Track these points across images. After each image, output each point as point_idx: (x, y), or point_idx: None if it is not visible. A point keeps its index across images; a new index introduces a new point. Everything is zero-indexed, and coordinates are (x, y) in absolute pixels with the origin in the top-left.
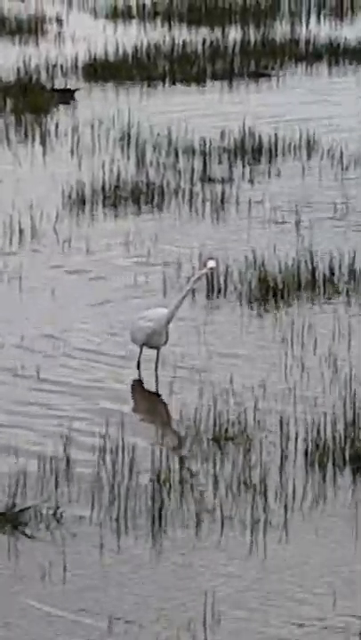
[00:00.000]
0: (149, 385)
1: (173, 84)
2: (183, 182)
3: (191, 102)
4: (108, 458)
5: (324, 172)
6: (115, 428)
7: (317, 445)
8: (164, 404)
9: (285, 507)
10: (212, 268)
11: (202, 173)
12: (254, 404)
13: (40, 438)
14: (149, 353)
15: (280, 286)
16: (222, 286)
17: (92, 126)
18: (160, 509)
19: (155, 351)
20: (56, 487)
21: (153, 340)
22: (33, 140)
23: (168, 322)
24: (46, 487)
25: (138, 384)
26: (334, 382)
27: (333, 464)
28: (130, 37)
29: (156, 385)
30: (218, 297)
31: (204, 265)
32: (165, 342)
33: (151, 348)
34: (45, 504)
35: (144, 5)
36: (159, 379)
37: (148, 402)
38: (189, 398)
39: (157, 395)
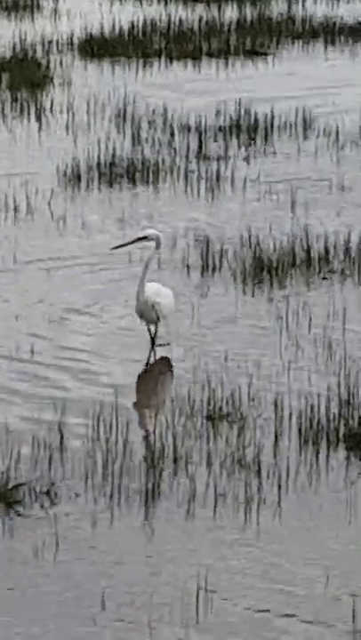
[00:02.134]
0: (143, 363)
1: (169, 61)
2: (178, 160)
3: (187, 80)
4: (101, 435)
5: (320, 151)
6: (108, 405)
7: (311, 424)
8: (158, 382)
9: (279, 485)
10: (150, 237)
11: (197, 151)
12: (248, 383)
13: (34, 415)
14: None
15: (275, 264)
16: (217, 264)
17: (88, 103)
18: (153, 487)
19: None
20: (50, 465)
21: (143, 316)
22: (28, 116)
23: (138, 296)
24: (40, 465)
25: (132, 362)
26: (329, 361)
27: (327, 442)
28: (126, 14)
29: (151, 362)
30: (213, 275)
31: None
32: (158, 319)
33: (148, 323)
34: (39, 482)
35: None
36: (154, 357)
37: (142, 380)
38: (183, 376)
39: (151, 372)
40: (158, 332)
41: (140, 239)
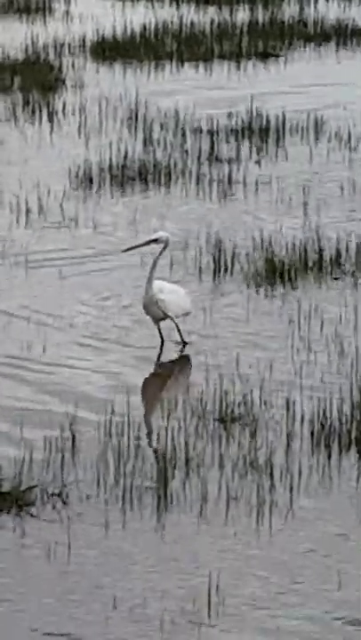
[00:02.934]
0: (155, 364)
1: (181, 63)
2: (190, 162)
3: (199, 82)
4: (113, 437)
5: (332, 153)
6: (120, 407)
7: (323, 426)
8: (171, 384)
9: (291, 487)
10: (161, 240)
11: (209, 153)
12: (260, 385)
13: (46, 417)
14: (166, 334)
15: (287, 267)
16: (229, 267)
17: (100, 105)
18: (165, 489)
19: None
20: (62, 466)
21: (149, 313)
22: (40, 118)
23: (146, 293)
24: (52, 466)
25: (144, 363)
26: (341, 363)
27: (339, 445)
28: (138, 16)
29: (163, 363)
30: (225, 277)
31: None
32: (164, 316)
33: (156, 321)
34: (51, 483)
35: None
36: (166, 358)
37: (154, 381)
38: (196, 378)
39: (164, 374)
40: (177, 330)
41: (150, 242)
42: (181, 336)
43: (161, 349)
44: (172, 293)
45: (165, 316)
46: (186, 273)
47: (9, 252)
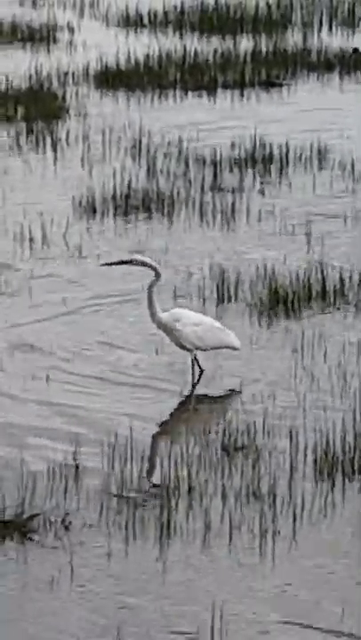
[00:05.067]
0: (159, 394)
1: (185, 92)
2: (194, 191)
3: (202, 111)
4: (116, 466)
5: (336, 183)
6: (123, 436)
7: (326, 455)
8: (173, 413)
9: (294, 517)
10: (135, 260)
11: (212, 183)
12: (263, 414)
13: (49, 446)
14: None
15: (290, 297)
16: (232, 296)
17: (104, 134)
18: (168, 518)
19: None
20: (65, 495)
21: (171, 340)
22: (44, 147)
23: (153, 320)
24: (55, 494)
25: (148, 392)
26: (344, 393)
27: (343, 474)
28: (141, 46)
29: (166, 393)
30: (228, 307)
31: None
32: (181, 345)
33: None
34: (54, 511)
35: (156, 14)
36: (168, 387)
37: (158, 410)
38: (199, 407)
39: (167, 403)
40: (196, 361)
41: (124, 262)
42: (199, 365)
43: (198, 379)
44: (192, 325)
45: (184, 347)
46: (189, 302)
47: (12, 281)
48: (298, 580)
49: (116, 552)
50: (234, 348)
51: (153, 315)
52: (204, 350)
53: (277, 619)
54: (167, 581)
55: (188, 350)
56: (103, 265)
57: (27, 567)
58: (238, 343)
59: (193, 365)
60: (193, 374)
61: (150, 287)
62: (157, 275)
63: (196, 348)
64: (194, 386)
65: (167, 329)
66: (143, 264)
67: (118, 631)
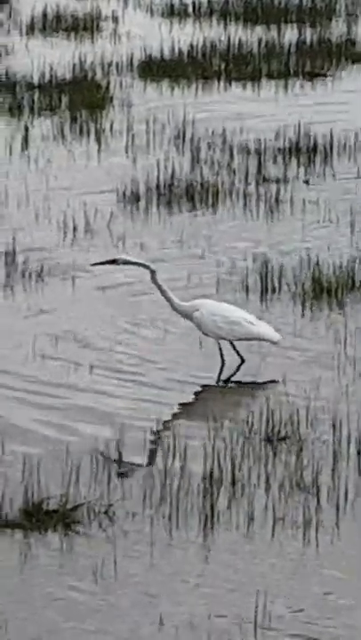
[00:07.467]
0: (202, 383)
1: (229, 82)
2: (238, 181)
3: (246, 101)
4: (159, 456)
5: None
6: (167, 426)
7: None
8: (217, 403)
9: (337, 507)
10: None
11: (256, 173)
12: (307, 404)
13: (92, 436)
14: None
15: (334, 286)
16: (276, 286)
17: (147, 124)
18: (211, 509)
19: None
20: (108, 484)
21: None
22: (88, 136)
23: (172, 308)
24: (99, 484)
25: (192, 381)
26: None
27: None
28: (185, 35)
29: (209, 382)
30: (272, 297)
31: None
32: (206, 333)
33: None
34: (98, 501)
35: (200, 3)
36: (212, 378)
37: (201, 400)
38: (242, 397)
39: (210, 393)
40: (224, 355)
41: (109, 262)
42: (221, 355)
43: (237, 369)
44: (210, 315)
45: (213, 336)
46: (233, 292)
47: (55, 271)
48: (341, 572)
49: (160, 541)
50: (270, 341)
51: (172, 305)
52: (232, 341)
53: (321, 612)
54: (210, 572)
55: (222, 339)
56: (94, 265)
57: (71, 556)
58: (276, 336)
59: (221, 355)
60: (222, 364)
61: (154, 282)
62: (151, 271)
63: (220, 338)
64: (231, 375)
65: (188, 317)
66: (127, 263)
67: (160, 620)
